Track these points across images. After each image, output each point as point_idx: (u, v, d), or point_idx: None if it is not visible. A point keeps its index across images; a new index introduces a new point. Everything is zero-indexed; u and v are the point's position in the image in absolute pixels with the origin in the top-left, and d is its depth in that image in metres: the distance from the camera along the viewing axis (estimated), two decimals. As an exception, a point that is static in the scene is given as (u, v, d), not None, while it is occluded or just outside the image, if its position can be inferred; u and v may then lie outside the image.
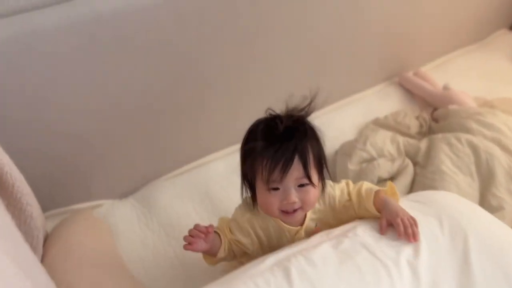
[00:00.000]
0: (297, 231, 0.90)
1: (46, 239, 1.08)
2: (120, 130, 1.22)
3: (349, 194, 0.91)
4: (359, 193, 0.90)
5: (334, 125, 1.54)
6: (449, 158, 1.23)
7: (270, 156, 0.80)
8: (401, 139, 1.38)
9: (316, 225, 0.92)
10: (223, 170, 1.41)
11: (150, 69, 1.14)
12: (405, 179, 1.24)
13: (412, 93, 1.67)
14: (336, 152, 1.41)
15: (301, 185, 0.83)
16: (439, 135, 1.32)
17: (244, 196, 0.93)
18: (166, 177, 1.38)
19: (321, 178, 0.87)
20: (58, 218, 1.23)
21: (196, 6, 1.09)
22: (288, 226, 0.89)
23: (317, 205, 0.90)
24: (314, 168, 0.84)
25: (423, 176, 1.24)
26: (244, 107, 1.41)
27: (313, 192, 0.84)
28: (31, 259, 0.76)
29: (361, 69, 1.64)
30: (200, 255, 1.19)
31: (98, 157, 1.24)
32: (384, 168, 1.26)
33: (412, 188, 1.25)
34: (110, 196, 1.33)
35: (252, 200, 0.90)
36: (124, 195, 1.35)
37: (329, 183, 0.92)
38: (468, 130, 1.30)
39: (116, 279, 0.99)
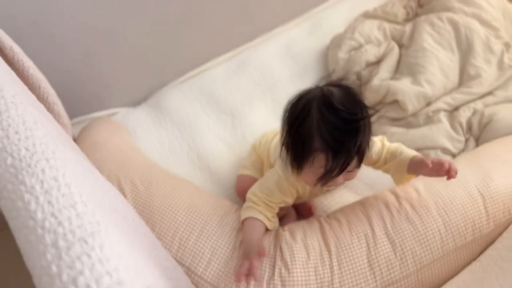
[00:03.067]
0: None
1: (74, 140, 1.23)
2: (124, 42, 1.31)
3: (382, 154, 0.89)
4: (392, 153, 0.88)
5: (326, 22, 1.61)
6: (431, 36, 1.31)
7: (329, 158, 0.75)
8: (387, 26, 1.46)
9: None
10: (224, 74, 1.51)
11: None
12: (391, 60, 1.33)
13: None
14: (328, 47, 1.50)
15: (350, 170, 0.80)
16: (422, 17, 1.40)
17: (283, 159, 0.85)
18: (172, 85, 1.50)
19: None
20: (79, 125, 1.36)
21: None
22: None
23: None
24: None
25: (407, 56, 1.33)
26: (241, 13, 1.48)
27: (357, 172, 0.83)
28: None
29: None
30: (212, 142, 1.33)
31: (107, 68, 1.34)
32: (371, 52, 1.36)
33: (398, 68, 1.35)
34: (124, 105, 1.46)
35: (291, 166, 0.83)
36: (137, 103, 1.48)
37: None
38: (449, 9, 1.37)
39: (141, 167, 1.12)
